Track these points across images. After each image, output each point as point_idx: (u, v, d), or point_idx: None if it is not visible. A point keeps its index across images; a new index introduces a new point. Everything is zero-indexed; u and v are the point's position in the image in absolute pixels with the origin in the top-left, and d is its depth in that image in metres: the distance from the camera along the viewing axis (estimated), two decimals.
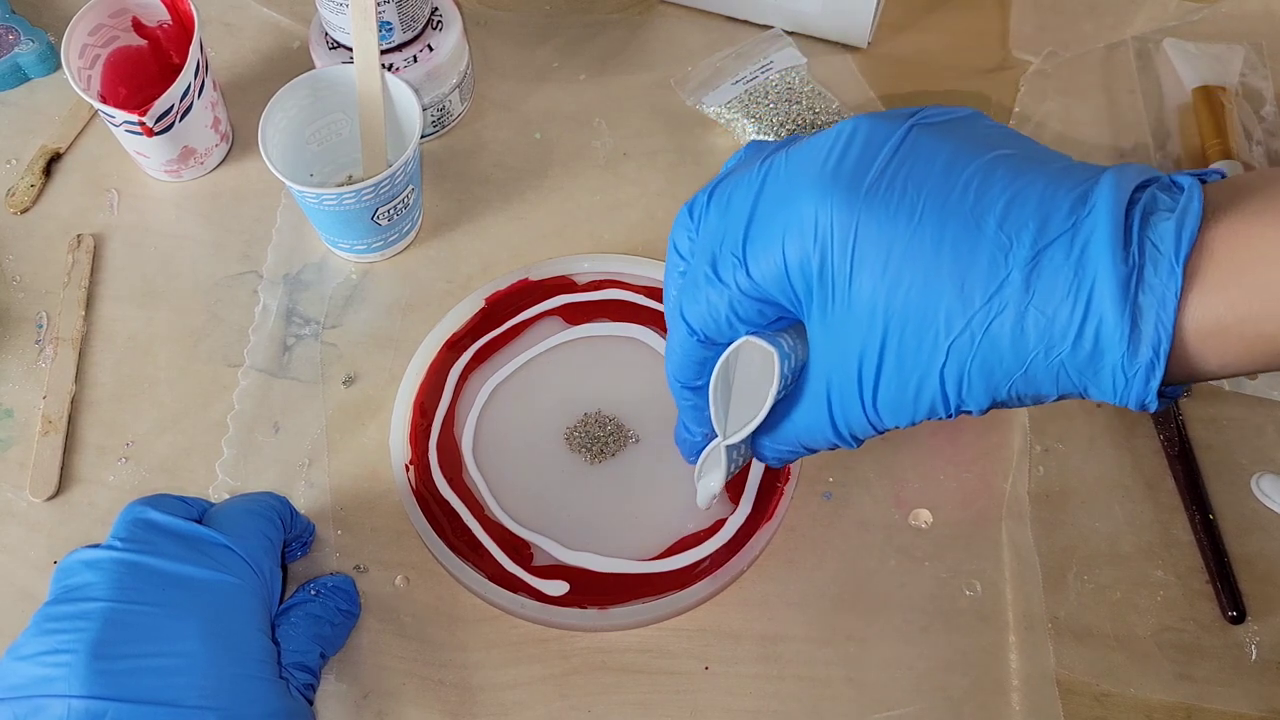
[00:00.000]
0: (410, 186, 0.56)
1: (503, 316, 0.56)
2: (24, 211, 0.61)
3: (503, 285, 0.57)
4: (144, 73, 0.62)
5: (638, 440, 0.53)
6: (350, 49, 0.58)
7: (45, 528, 0.52)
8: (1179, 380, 0.33)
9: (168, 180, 0.62)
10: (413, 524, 0.50)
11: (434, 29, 0.60)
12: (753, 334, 0.37)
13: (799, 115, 0.63)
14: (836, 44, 0.67)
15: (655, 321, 0.56)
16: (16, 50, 0.65)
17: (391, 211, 0.55)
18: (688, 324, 0.39)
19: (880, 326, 0.34)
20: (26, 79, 0.66)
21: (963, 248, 0.33)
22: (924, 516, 0.52)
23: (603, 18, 0.69)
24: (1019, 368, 0.33)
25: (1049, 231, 0.32)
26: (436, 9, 0.61)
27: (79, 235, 0.60)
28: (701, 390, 0.41)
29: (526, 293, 0.57)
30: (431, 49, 0.60)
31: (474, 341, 0.55)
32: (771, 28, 0.67)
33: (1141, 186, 0.33)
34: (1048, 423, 0.54)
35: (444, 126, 0.64)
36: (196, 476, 0.53)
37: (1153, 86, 0.65)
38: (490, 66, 0.67)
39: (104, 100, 0.59)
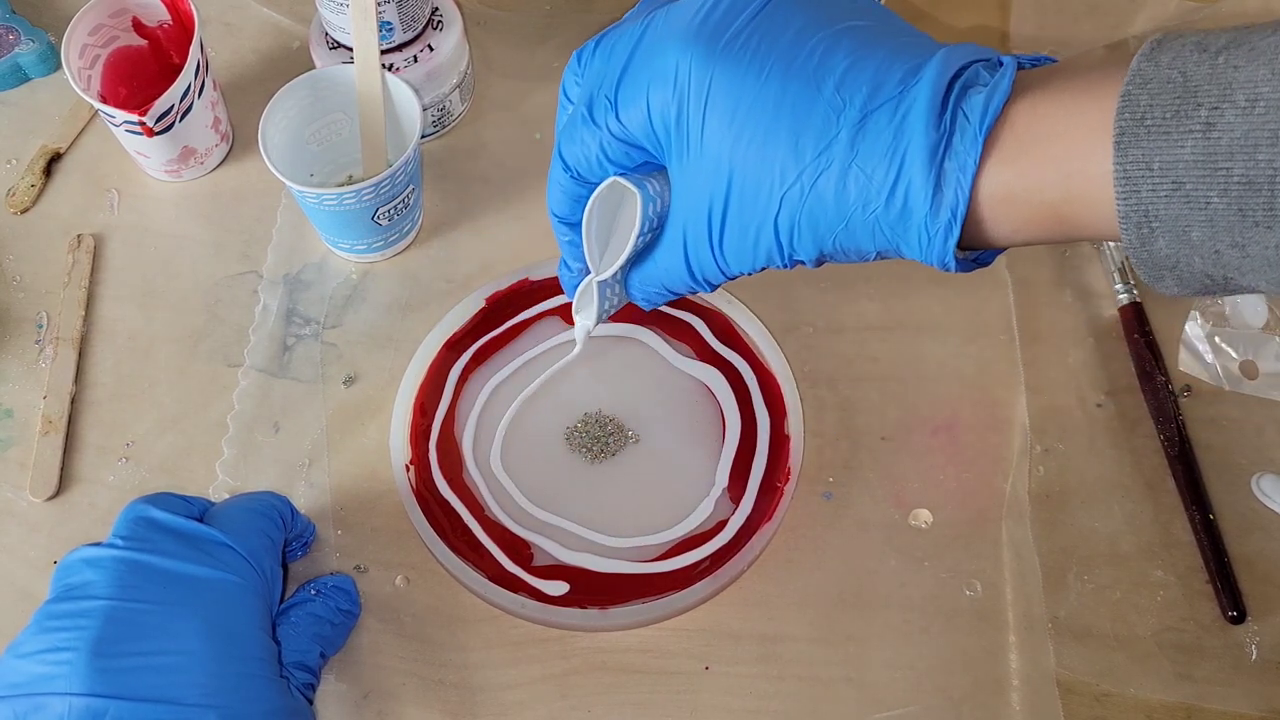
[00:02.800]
0: (410, 186, 0.56)
1: (503, 316, 0.56)
2: (24, 211, 0.61)
3: (503, 285, 0.57)
4: (144, 73, 0.61)
5: (638, 440, 0.53)
6: (350, 49, 0.58)
7: (45, 528, 0.52)
8: (978, 245, 0.36)
9: (168, 180, 0.62)
10: (413, 524, 0.50)
11: (434, 29, 0.60)
12: (621, 175, 0.39)
13: None
14: None
15: (656, 322, 0.56)
16: (17, 50, 0.65)
17: (391, 211, 0.55)
18: (563, 160, 0.41)
19: (725, 175, 0.36)
20: (27, 79, 0.66)
21: (801, 106, 0.35)
22: (924, 516, 0.52)
23: (603, 18, 0.69)
24: (841, 221, 0.35)
25: (879, 97, 0.34)
26: (437, 9, 0.61)
27: (79, 235, 0.60)
28: (577, 227, 0.43)
29: (526, 293, 0.57)
30: (432, 49, 0.60)
31: (474, 341, 0.55)
32: None
33: (973, 64, 0.35)
34: (1048, 423, 0.54)
35: (444, 126, 0.64)
36: (196, 476, 0.53)
37: None
38: (490, 66, 0.67)
39: (104, 100, 0.59)
